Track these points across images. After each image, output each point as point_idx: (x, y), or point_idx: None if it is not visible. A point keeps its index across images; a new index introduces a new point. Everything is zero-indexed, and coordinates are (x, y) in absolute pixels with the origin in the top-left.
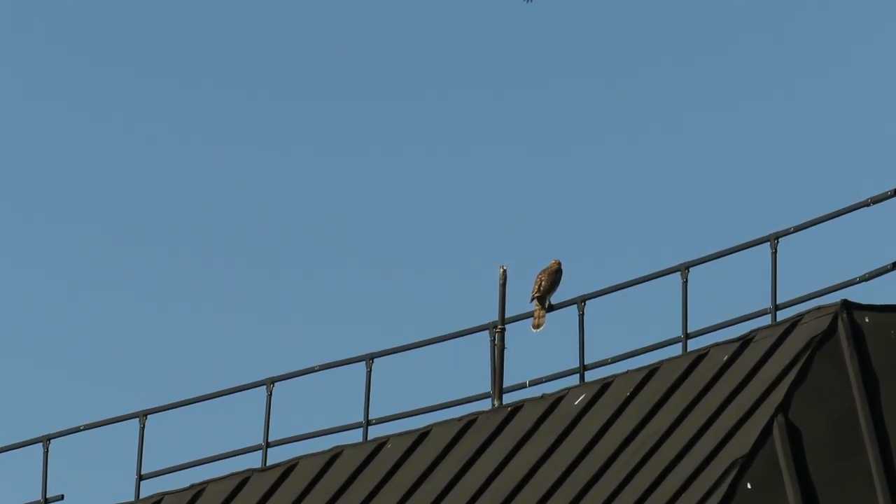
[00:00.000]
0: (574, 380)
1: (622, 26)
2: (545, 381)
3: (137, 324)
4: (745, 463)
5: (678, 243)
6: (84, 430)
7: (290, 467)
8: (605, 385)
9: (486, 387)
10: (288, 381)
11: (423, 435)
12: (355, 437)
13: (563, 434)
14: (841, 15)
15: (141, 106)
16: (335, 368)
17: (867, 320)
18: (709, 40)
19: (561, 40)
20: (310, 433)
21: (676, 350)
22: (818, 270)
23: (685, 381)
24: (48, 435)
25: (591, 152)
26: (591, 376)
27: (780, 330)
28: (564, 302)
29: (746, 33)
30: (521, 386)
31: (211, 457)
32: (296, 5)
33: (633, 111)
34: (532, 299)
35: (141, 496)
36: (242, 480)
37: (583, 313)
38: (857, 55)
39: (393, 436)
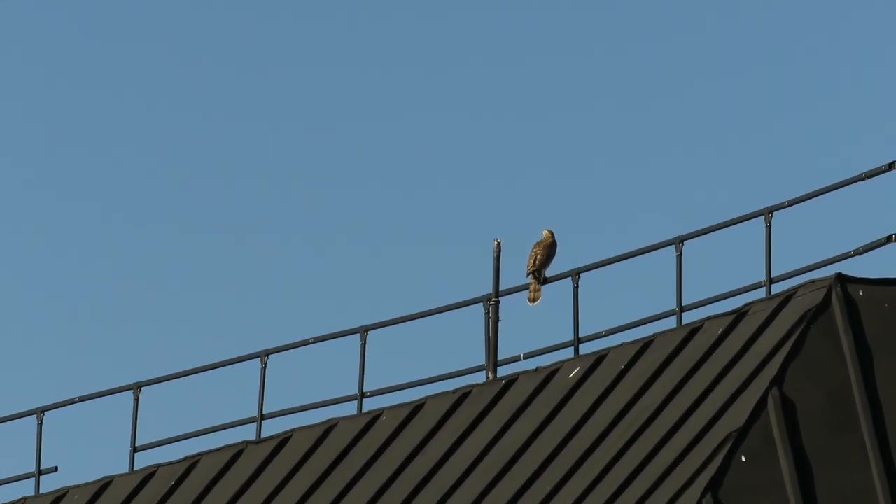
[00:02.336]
0: (568, 353)
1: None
2: (539, 354)
3: (132, 296)
4: (740, 436)
5: (673, 216)
6: (78, 402)
7: (284, 440)
8: (600, 358)
9: (481, 359)
10: (282, 353)
11: (417, 407)
12: (350, 409)
13: (558, 407)
14: None
15: (127, 80)
16: (329, 341)
17: (861, 294)
18: (703, 11)
19: (552, 12)
20: (304, 406)
21: (671, 323)
22: (813, 244)
23: (679, 354)
24: (42, 407)
25: (585, 126)
26: (585, 349)
27: (775, 303)
28: (559, 275)
29: (740, 4)
30: (516, 359)
31: (205, 429)
32: None
33: (628, 84)
34: (528, 274)
35: (135, 468)
36: (237, 453)
37: (577, 286)
38: (852, 27)
39: (387, 408)
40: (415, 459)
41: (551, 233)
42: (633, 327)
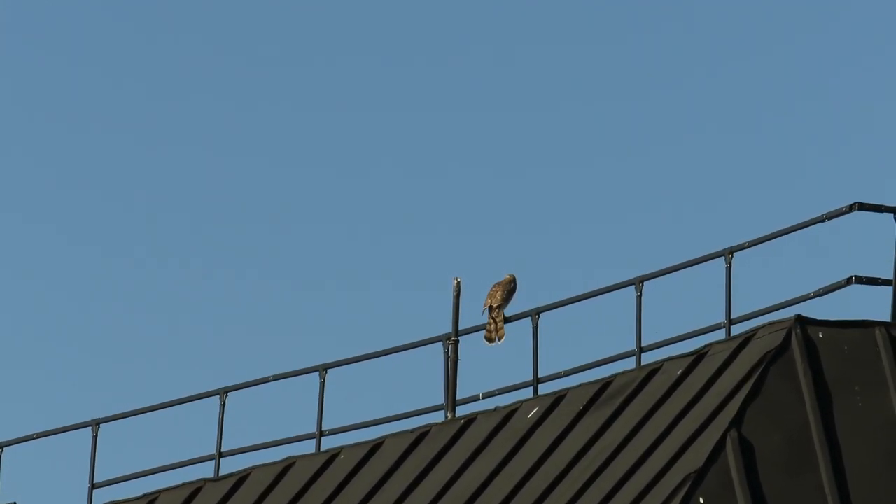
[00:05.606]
0: (527, 392)
1: (575, 48)
2: (498, 394)
3: (90, 332)
4: (698, 478)
5: (633, 257)
6: (37, 438)
7: (242, 478)
8: (559, 398)
9: (440, 399)
10: (241, 391)
11: (376, 446)
12: (308, 447)
13: (517, 447)
14: (806, 32)
15: (97, 110)
16: (288, 379)
17: (821, 336)
18: (663, 54)
19: (516, 64)
20: (263, 444)
21: (630, 364)
22: (772, 285)
23: (639, 394)
24: (1, 443)
25: (545, 166)
26: (544, 389)
27: (734, 345)
28: (518, 314)
29: (698, 48)
30: (475, 398)
31: (164, 466)
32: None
33: (588, 127)
34: (483, 311)
35: None
36: (195, 490)
37: (537, 326)
38: (816, 74)
39: (346, 447)
40: (373, 498)
41: (513, 277)
42: (592, 368)
